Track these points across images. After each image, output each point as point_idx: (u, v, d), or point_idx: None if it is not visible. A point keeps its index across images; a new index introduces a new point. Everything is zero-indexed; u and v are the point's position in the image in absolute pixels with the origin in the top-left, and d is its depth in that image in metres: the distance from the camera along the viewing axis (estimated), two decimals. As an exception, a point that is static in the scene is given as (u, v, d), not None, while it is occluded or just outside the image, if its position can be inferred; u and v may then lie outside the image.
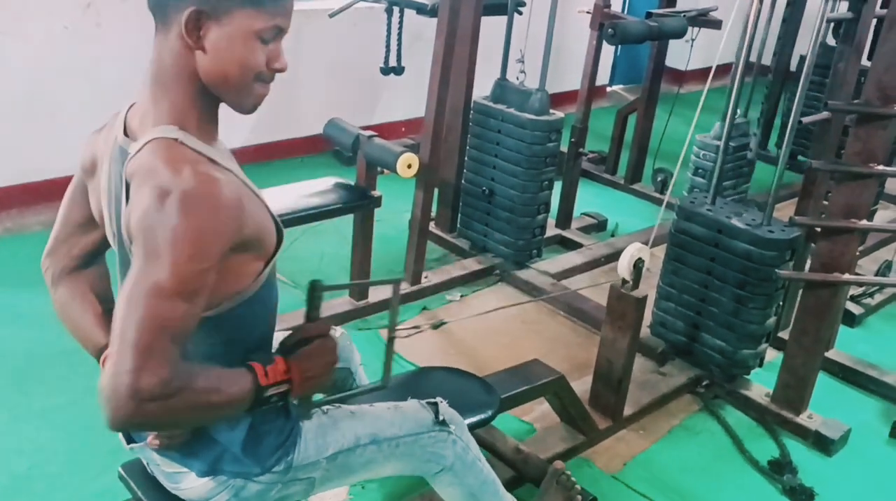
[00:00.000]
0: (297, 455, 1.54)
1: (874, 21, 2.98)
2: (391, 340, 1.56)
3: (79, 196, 1.50)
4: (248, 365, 1.31)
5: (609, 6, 3.95)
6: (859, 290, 3.56)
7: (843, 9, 3.12)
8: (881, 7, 2.97)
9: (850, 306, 3.43)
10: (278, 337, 1.73)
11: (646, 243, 2.53)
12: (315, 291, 1.41)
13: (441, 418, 1.73)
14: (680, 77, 5.43)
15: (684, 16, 3.96)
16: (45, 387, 2.68)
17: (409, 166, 2.88)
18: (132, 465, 1.64)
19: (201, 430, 1.47)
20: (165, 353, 1.14)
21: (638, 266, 2.49)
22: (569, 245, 3.99)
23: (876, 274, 3.62)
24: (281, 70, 1.32)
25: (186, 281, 1.16)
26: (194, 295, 1.18)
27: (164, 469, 1.53)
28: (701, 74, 5.68)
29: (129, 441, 1.56)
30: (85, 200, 1.49)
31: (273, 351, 1.45)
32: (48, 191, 3.76)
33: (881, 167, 2.46)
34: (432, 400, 1.77)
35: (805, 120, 2.76)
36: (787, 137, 2.66)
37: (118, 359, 1.12)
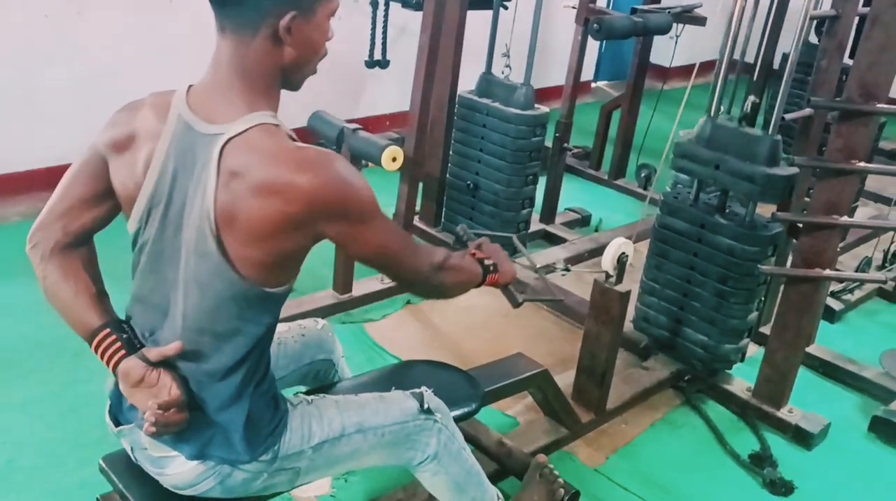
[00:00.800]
0: (283, 444, 1.55)
1: (856, 19, 3.01)
2: (537, 270, 2.28)
3: (88, 171, 1.50)
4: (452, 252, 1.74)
5: (594, 1, 3.96)
6: (839, 286, 3.59)
7: (825, 6, 3.15)
8: (863, 5, 3.00)
9: (831, 302, 3.46)
10: None
11: (629, 238, 2.54)
12: (464, 232, 2.11)
13: (426, 406, 1.73)
14: (664, 73, 5.45)
15: (669, 12, 3.97)
16: (23, 379, 2.65)
17: (394, 159, 2.87)
18: (113, 457, 1.63)
19: (199, 413, 1.48)
20: (421, 248, 1.61)
21: (622, 260, 2.49)
22: (553, 239, 4.00)
23: (856, 271, 3.65)
24: (329, 38, 1.44)
25: (385, 214, 1.46)
26: None
27: (152, 453, 1.52)
28: (684, 71, 5.73)
29: (117, 423, 1.55)
30: (94, 176, 1.49)
31: None
32: (28, 182, 3.72)
33: (862, 164, 2.48)
34: (417, 390, 1.77)
35: (788, 116, 2.77)
36: (772, 129, 2.67)
37: (417, 268, 1.57)
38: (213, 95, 1.39)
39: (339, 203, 1.35)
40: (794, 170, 2.61)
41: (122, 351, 1.47)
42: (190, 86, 1.43)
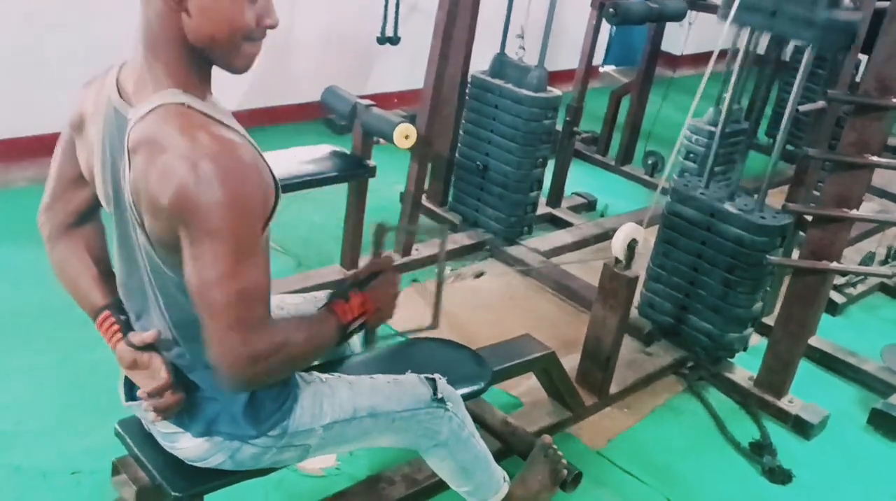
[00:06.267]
0: (293, 421, 1.55)
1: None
2: (439, 285, 1.85)
3: (68, 152, 1.48)
4: (329, 306, 1.45)
5: (609, -15, 3.93)
6: (842, 280, 3.61)
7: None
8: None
9: (833, 295, 3.46)
10: (280, 299, 1.74)
11: (640, 222, 2.55)
12: (379, 231, 1.66)
13: (439, 395, 1.74)
14: (673, 61, 5.44)
15: (684, -1, 3.96)
16: (31, 344, 2.66)
17: (407, 137, 2.87)
18: (129, 422, 1.64)
19: (199, 392, 1.48)
20: (261, 319, 1.26)
21: (632, 246, 2.50)
22: (559, 223, 4.00)
23: (859, 265, 3.67)
24: (272, 26, 1.30)
25: (250, 247, 1.22)
26: (261, 256, 1.26)
27: (160, 428, 1.53)
28: (692, 60, 5.72)
29: (129, 398, 1.56)
30: (74, 156, 1.47)
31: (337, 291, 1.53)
32: (35, 147, 3.71)
33: (876, 158, 2.49)
34: (431, 376, 1.78)
35: (801, 108, 2.78)
36: (784, 125, 2.68)
37: (225, 340, 1.23)
38: (134, 72, 1.31)
39: (189, 206, 1.18)
40: (858, 15, 2.52)
41: (119, 334, 1.48)
42: (125, 62, 1.36)
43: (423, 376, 1.78)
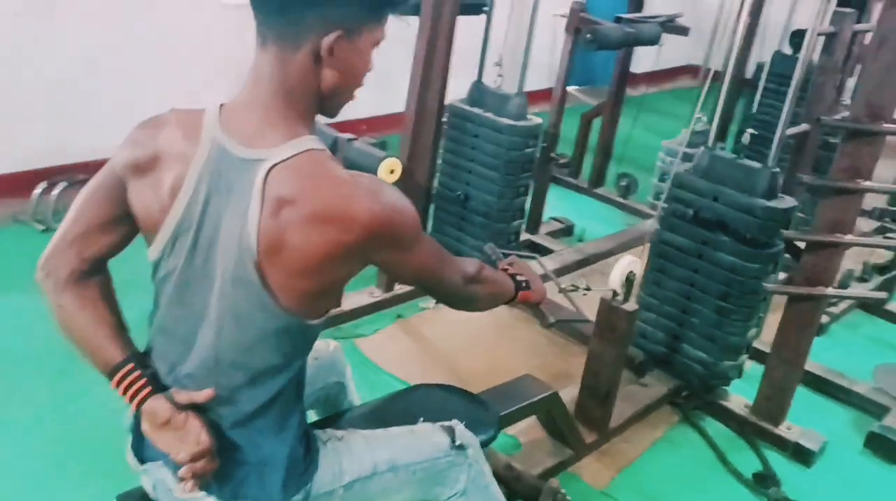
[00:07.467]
0: (315, 483, 1.47)
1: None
2: (565, 290, 2.28)
3: (104, 194, 1.39)
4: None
5: (584, 10, 3.92)
6: (824, 299, 3.62)
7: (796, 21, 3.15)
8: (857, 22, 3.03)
9: (817, 315, 3.48)
10: None
11: (639, 253, 2.51)
12: (492, 251, 2.05)
13: (458, 442, 1.67)
14: (631, 79, 5.46)
15: (655, 21, 3.96)
16: (4, 399, 2.50)
17: (392, 171, 2.79)
18: (130, 496, 1.53)
19: (231, 454, 1.39)
20: (455, 261, 1.55)
21: (630, 278, 2.46)
22: (539, 250, 3.95)
23: (839, 284, 3.69)
24: (369, 70, 1.38)
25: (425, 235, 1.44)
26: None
27: (178, 494, 1.42)
28: (648, 77, 5.75)
29: (143, 460, 1.45)
30: (111, 199, 1.38)
31: None
32: (9, 186, 3.54)
33: (867, 183, 2.49)
34: (447, 424, 1.71)
35: (789, 131, 2.77)
36: (775, 149, 2.65)
37: (456, 284, 1.54)
38: (251, 115, 1.30)
39: (392, 231, 1.32)
40: (793, 202, 2.60)
41: (148, 389, 1.38)
42: (221, 104, 1.34)
43: (438, 423, 1.72)
